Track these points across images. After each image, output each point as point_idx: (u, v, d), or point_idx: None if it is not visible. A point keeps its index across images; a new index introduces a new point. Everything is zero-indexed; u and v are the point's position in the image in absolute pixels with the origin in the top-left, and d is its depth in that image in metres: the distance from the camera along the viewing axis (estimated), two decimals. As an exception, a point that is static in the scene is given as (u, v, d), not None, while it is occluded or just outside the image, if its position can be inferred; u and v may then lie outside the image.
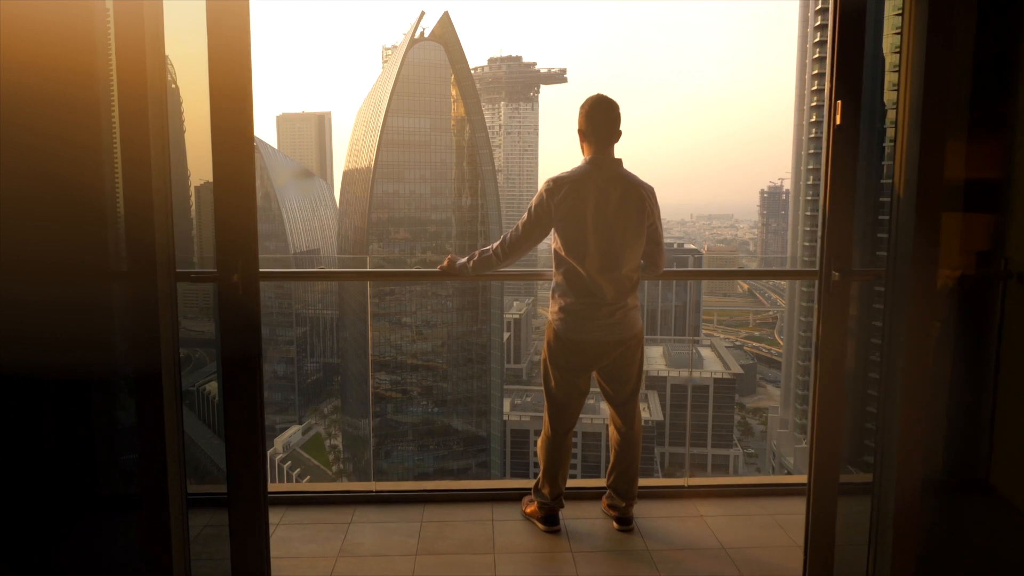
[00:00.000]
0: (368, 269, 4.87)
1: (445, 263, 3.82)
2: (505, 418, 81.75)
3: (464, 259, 3.75)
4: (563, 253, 3.43)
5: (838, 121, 2.96)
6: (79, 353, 2.55)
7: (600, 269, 3.38)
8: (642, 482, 3.88)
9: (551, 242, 3.53)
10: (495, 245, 3.61)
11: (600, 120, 3.43)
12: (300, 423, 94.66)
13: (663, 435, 51.80)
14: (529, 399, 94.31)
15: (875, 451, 2.79)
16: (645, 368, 3.75)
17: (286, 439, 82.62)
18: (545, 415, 3.81)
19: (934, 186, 2.75)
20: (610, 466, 3.81)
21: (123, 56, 2.62)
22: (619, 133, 3.44)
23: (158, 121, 2.92)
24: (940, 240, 2.65)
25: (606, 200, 3.36)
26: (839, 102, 2.94)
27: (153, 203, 2.90)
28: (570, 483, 3.85)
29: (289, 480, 72.31)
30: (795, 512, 3.89)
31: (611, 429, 3.82)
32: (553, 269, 3.53)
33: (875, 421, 2.84)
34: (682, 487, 4.14)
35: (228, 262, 2.88)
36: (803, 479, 3.45)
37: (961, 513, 2.94)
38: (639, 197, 3.41)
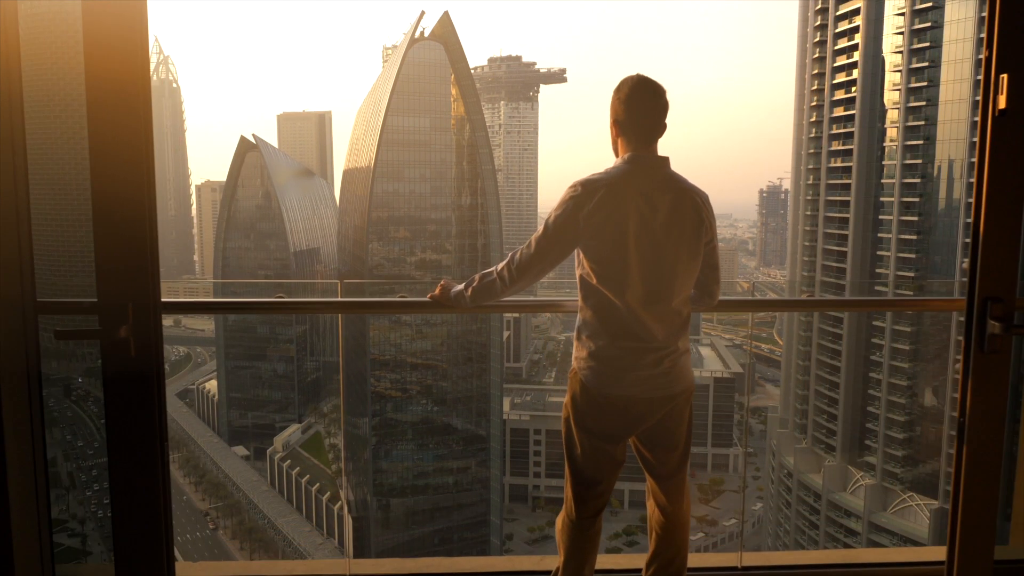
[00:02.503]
0: (339, 299, 4.01)
1: (437, 291, 3.10)
2: (505, 417, 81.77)
3: (460, 286, 3.02)
4: (594, 281, 2.68)
5: (1003, 104, 2.15)
6: None
7: (645, 302, 2.65)
8: (691, 561, 3.07)
9: (576, 266, 2.79)
10: (500, 267, 2.87)
11: (644, 109, 2.71)
12: (300, 422, 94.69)
13: (663, 434, 51.76)
14: (529, 398, 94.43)
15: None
16: None
17: (286, 438, 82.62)
18: (567, 491, 2.93)
19: None
20: (650, 555, 3.04)
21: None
22: (665, 126, 2.74)
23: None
24: None
25: (653, 211, 2.64)
26: (1004, 77, 2.13)
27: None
28: (600, 561, 3.10)
29: (289, 479, 72.34)
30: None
31: (650, 506, 3.05)
32: (579, 302, 2.77)
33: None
34: (735, 568, 3.38)
35: (113, 312, 2.11)
36: (905, 555, 2.86)
37: None
38: (694, 207, 2.70)
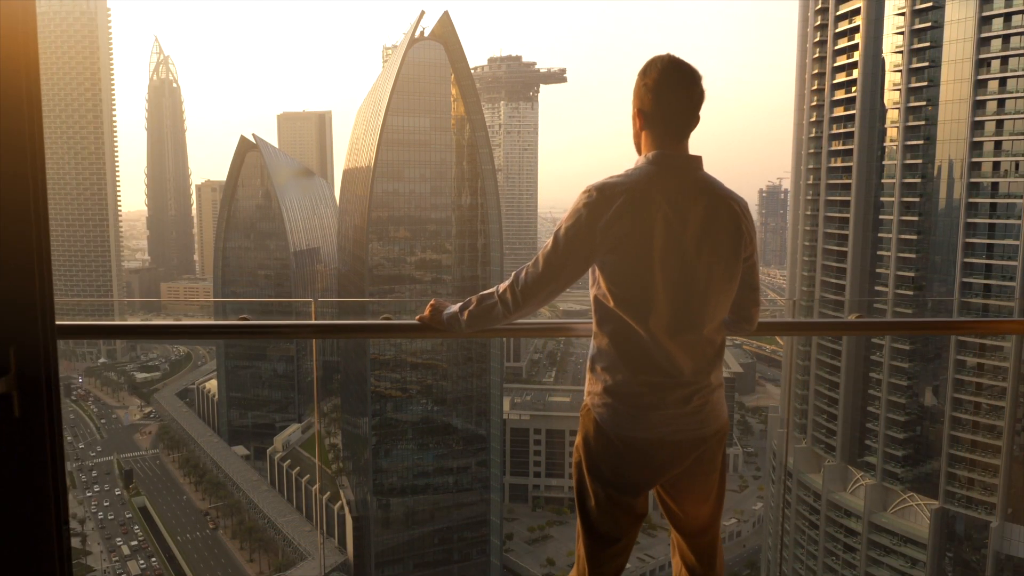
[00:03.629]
0: (312, 322, 3.46)
1: (427, 312, 2.72)
2: (505, 416, 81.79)
3: (454, 307, 2.62)
4: (612, 304, 2.30)
5: None
6: None
7: (672, 329, 2.27)
8: None
9: (589, 284, 2.43)
10: (502, 288, 2.47)
11: (676, 97, 2.30)
12: (300, 421, 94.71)
13: (663, 434, 51.72)
14: (529, 398, 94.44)
15: None
16: None
17: (286, 438, 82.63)
18: (579, 548, 2.52)
19: None
20: None
21: None
22: (698, 119, 2.34)
23: None
24: None
25: (682, 221, 2.25)
26: None
27: None
28: None
29: (289, 480, 72.33)
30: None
31: (676, 565, 2.65)
32: (594, 327, 2.41)
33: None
34: None
35: None
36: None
37: None
38: (731, 216, 2.31)
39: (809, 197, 56.87)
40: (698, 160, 2.34)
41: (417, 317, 2.77)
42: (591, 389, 2.41)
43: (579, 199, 2.30)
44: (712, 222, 2.28)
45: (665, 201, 2.24)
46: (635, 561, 60.08)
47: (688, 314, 2.27)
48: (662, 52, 2.33)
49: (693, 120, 2.31)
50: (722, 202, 2.31)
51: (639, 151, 2.39)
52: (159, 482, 79.01)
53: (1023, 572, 42.38)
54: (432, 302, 2.72)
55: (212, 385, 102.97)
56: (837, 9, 53.78)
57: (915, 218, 48.91)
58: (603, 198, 2.26)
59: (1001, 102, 44.90)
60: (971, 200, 45.45)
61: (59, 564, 1.68)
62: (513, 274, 2.44)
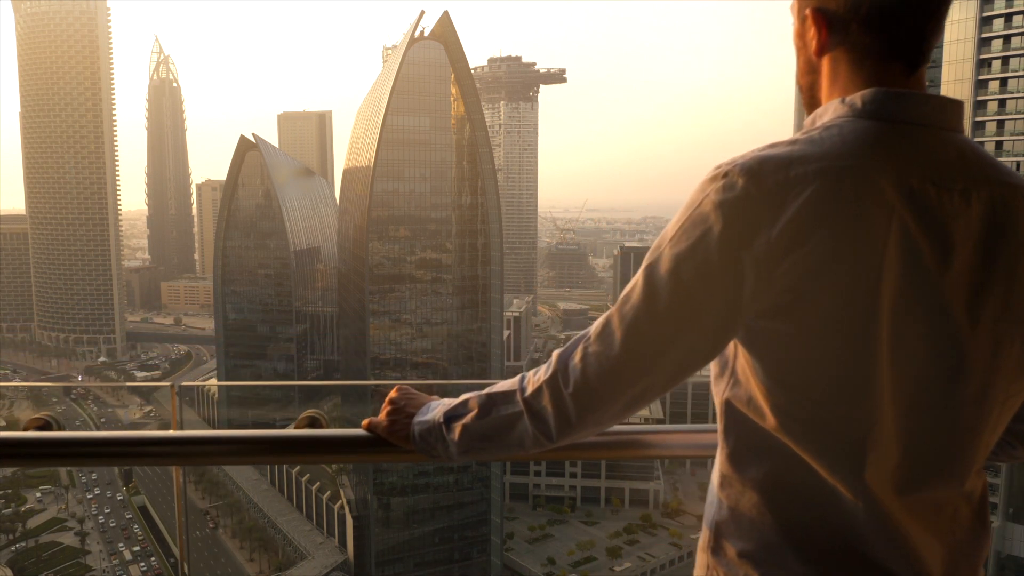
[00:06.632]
0: (168, 434, 1.78)
1: (383, 416, 1.53)
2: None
3: (435, 411, 1.43)
4: (771, 423, 1.14)
5: None
6: None
7: (908, 483, 1.11)
8: None
9: (716, 377, 1.25)
10: (534, 383, 1.26)
11: None
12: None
13: (663, 434, 51.71)
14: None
15: None
16: None
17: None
18: None
19: None
20: None
21: None
22: (942, 31, 1.17)
23: None
24: None
25: (942, 243, 1.07)
26: None
27: None
28: None
29: (289, 479, 72.32)
30: None
31: None
32: (720, 461, 1.25)
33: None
34: None
35: None
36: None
37: None
38: None
39: (809, 197, 56.92)
40: (957, 110, 1.15)
41: (366, 423, 1.56)
42: None
43: (703, 195, 1.10)
44: (1004, 245, 1.09)
45: (902, 199, 1.05)
46: (635, 560, 60.11)
47: (946, 448, 1.12)
48: None
49: (939, 27, 1.14)
50: (1018, 199, 1.11)
51: (813, 97, 1.26)
52: (159, 481, 79.01)
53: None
54: (395, 391, 1.54)
55: (212, 384, 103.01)
56: (837, 9, 53.77)
57: (915, 218, 48.95)
58: (763, 191, 1.05)
59: (1002, 102, 44.96)
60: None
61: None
62: (555, 356, 1.23)
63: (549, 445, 1.28)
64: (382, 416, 1.52)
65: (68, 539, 64.99)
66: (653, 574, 60.00)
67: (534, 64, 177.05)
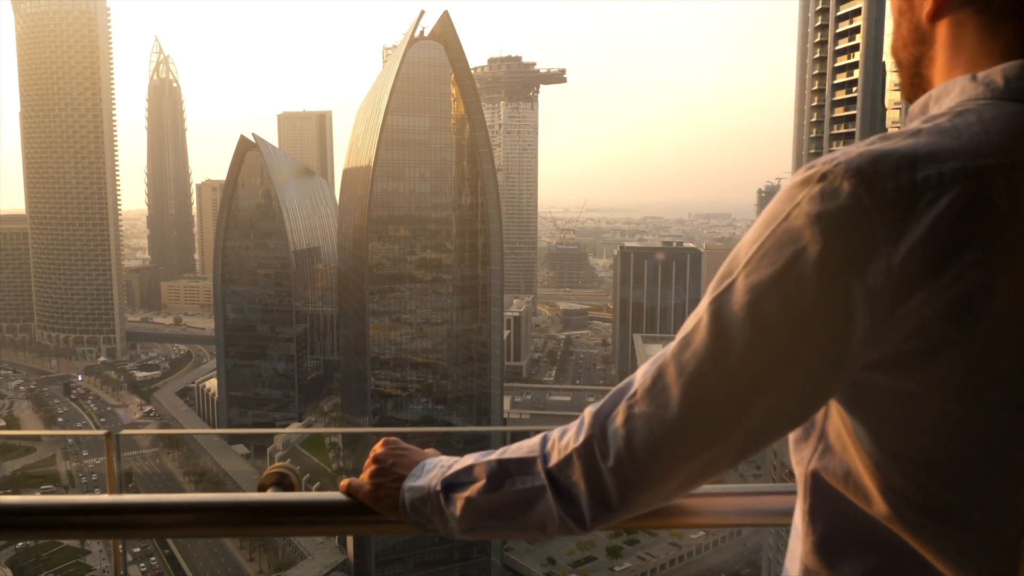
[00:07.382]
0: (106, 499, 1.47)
1: (365, 476, 1.25)
2: (505, 416, 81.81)
3: (432, 474, 1.16)
4: (879, 510, 0.84)
5: None
6: None
7: None
8: None
9: (798, 442, 0.95)
10: (560, 451, 0.98)
11: None
12: (300, 420, 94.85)
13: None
14: (529, 396, 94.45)
15: None
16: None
17: (286, 436, 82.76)
18: None
19: None
20: None
21: None
22: None
23: None
24: None
25: None
26: None
27: None
28: None
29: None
30: None
31: None
32: (806, 557, 0.93)
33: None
34: None
35: None
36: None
37: None
38: None
39: (809, 197, 56.98)
40: None
41: (345, 484, 1.28)
42: None
43: (792, 204, 0.80)
44: None
45: None
46: (635, 560, 60.11)
47: None
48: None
49: None
50: None
51: (918, 75, 0.97)
52: (159, 481, 79.06)
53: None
54: (379, 449, 1.26)
55: (212, 384, 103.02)
56: (838, 9, 53.84)
57: (915, 218, 49.01)
58: (880, 200, 0.76)
59: (1001, 102, 45.00)
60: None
61: None
62: (588, 415, 0.96)
63: (579, 532, 0.99)
64: (364, 477, 1.23)
65: (68, 539, 65.03)
66: (653, 574, 60.03)
67: (534, 64, 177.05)
